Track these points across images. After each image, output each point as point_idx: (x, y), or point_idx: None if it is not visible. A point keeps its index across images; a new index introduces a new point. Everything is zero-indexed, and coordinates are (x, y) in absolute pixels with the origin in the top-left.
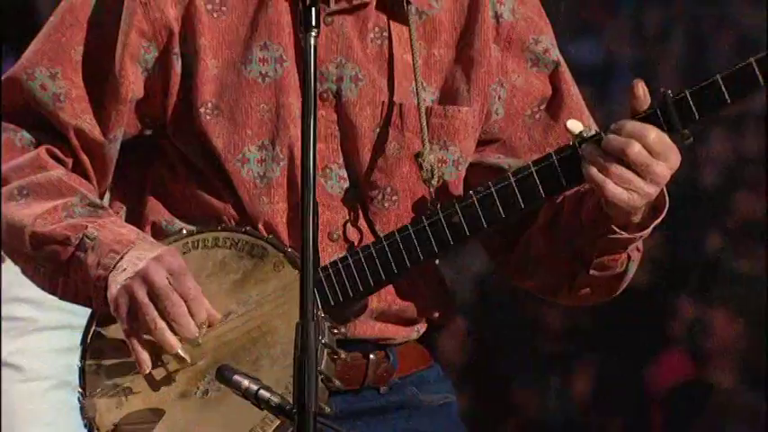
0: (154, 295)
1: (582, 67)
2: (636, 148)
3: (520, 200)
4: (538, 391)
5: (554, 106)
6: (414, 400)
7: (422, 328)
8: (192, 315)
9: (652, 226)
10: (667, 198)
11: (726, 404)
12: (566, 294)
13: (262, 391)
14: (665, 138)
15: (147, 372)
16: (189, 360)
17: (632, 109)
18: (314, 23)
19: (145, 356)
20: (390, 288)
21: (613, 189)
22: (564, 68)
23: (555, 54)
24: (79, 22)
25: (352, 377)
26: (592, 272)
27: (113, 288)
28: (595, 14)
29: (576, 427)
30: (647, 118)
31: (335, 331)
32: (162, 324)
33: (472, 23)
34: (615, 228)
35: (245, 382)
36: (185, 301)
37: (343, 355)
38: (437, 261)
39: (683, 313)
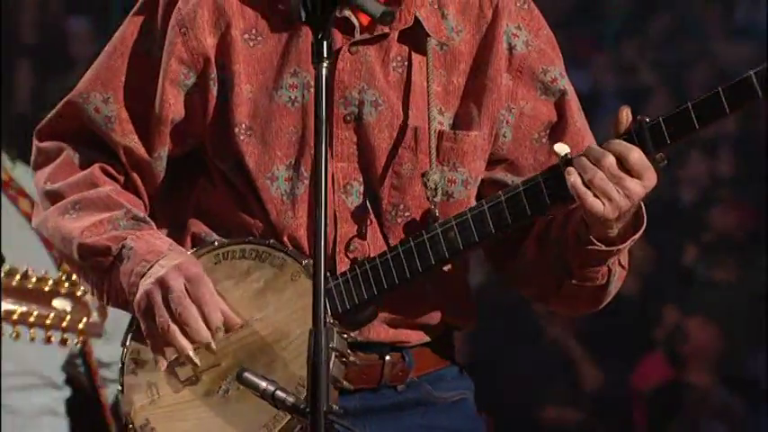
0: (169, 299)
1: None
2: (610, 160)
3: (508, 217)
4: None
5: (558, 131)
6: (429, 397)
7: (438, 331)
8: (205, 320)
9: (630, 241)
10: (645, 218)
11: (702, 402)
12: (555, 302)
13: (278, 392)
14: (644, 158)
15: (163, 368)
16: (198, 364)
17: (615, 131)
18: (325, 55)
19: (161, 356)
20: (404, 295)
21: (592, 200)
22: (570, 97)
23: (562, 83)
24: (128, 52)
25: (370, 377)
26: (574, 281)
27: (138, 293)
28: (583, 50)
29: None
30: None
31: (345, 336)
32: (174, 327)
33: (487, 54)
34: (594, 239)
35: (263, 384)
36: (199, 307)
37: (352, 358)
38: (445, 267)
39: (665, 320)
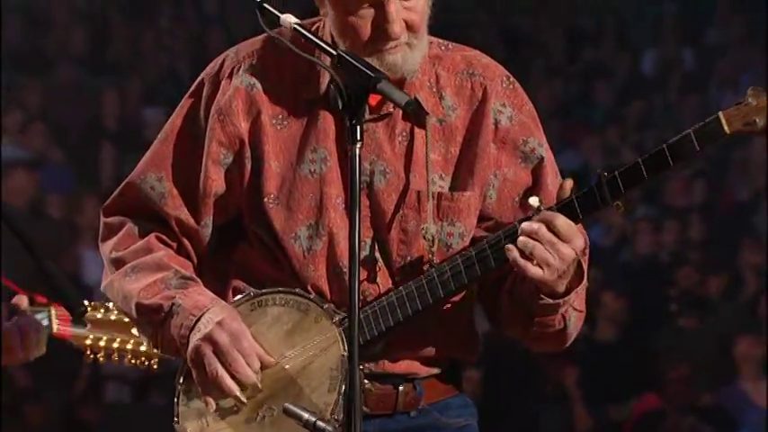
0: (218, 352)
1: (565, 172)
2: (543, 230)
3: (492, 262)
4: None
5: (534, 193)
6: (438, 423)
7: (444, 364)
8: (247, 366)
9: (574, 293)
10: (585, 271)
11: (677, 428)
12: (529, 343)
13: (319, 422)
14: (571, 224)
15: (212, 407)
16: (245, 400)
17: (558, 196)
18: (358, 137)
19: (209, 397)
20: (413, 333)
21: (533, 268)
22: (546, 163)
23: (540, 152)
24: (177, 138)
25: (386, 404)
26: (535, 328)
27: (189, 347)
28: (575, 134)
29: None
30: (586, 195)
31: (361, 367)
32: (223, 373)
33: (478, 127)
34: (543, 296)
35: (305, 415)
36: (242, 356)
37: (367, 386)
38: (447, 307)
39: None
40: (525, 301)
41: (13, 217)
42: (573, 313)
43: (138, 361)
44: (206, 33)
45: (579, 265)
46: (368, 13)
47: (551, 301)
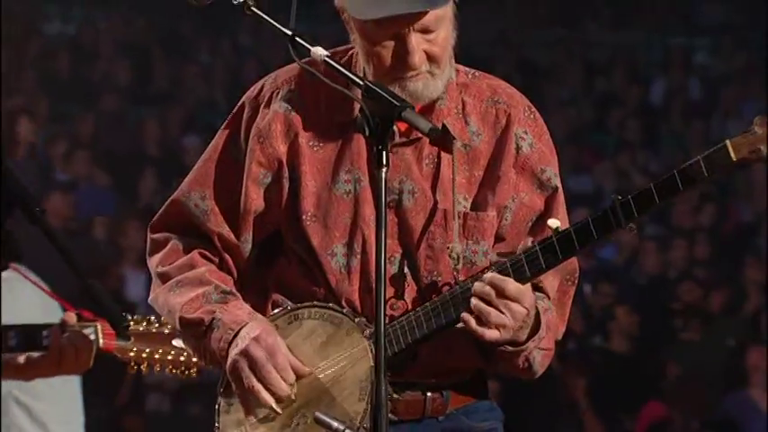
0: (254, 367)
1: (578, 195)
2: (494, 296)
3: (513, 278)
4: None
5: (544, 219)
6: (465, 426)
7: (469, 373)
8: (282, 379)
9: (532, 341)
10: (543, 321)
11: None
12: (495, 371)
13: (347, 431)
14: (519, 286)
15: (251, 418)
16: (280, 411)
17: (520, 249)
18: (384, 162)
19: (248, 408)
20: (439, 345)
21: (489, 332)
22: (559, 193)
23: (555, 182)
24: (219, 158)
25: (415, 410)
26: (502, 367)
27: (228, 360)
28: (589, 159)
29: None
30: (601, 218)
31: (389, 376)
32: (258, 386)
33: (501, 152)
34: (505, 345)
35: (335, 424)
36: (277, 371)
37: (395, 396)
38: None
39: (659, 372)
40: (489, 346)
41: (59, 238)
42: (538, 353)
43: (178, 370)
44: (241, 65)
45: (537, 314)
46: (390, 43)
47: (512, 348)
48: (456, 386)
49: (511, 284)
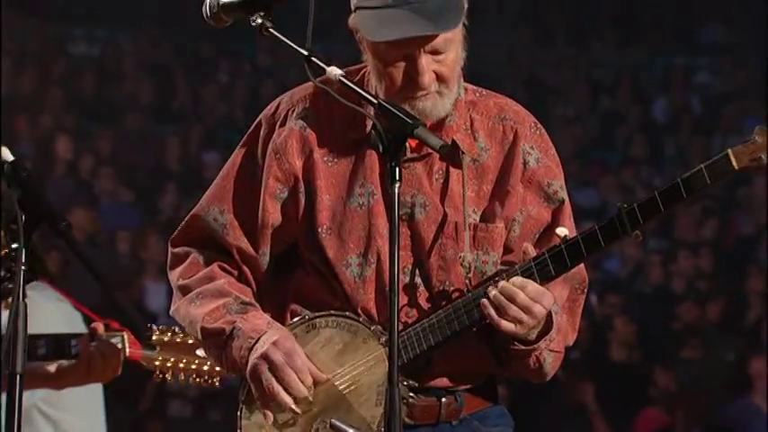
0: (273, 369)
1: (584, 209)
2: (520, 296)
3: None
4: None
5: (550, 230)
6: (477, 431)
7: (481, 378)
8: (300, 381)
9: (543, 341)
10: (554, 322)
11: None
12: (508, 374)
13: None
14: (539, 287)
15: (270, 420)
16: (300, 412)
17: (522, 260)
18: (397, 178)
19: (267, 410)
20: (453, 351)
21: (506, 324)
22: (566, 206)
23: (562, 195)
24: (237, 174)
25: (430, 414)
26: (515, 367)
27: (248, 365)
28: (595, 174)
29: None
30: (607, 226)
31: (405, 383)
32: (278, 388)
33: (509, 166)
34: (516, 342)
35: (350, 431)
36: (295, 373)
37: (411, 400)
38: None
39: (656, 381)
40: (501, 344)
41: (84, 251)
42: (549, 355)
43: (201, 379)
44: (259, 84)
45: (550, 315)
46: (401, 64)
47: (523, 347)
48: (469, 391)
49: (531, 285)
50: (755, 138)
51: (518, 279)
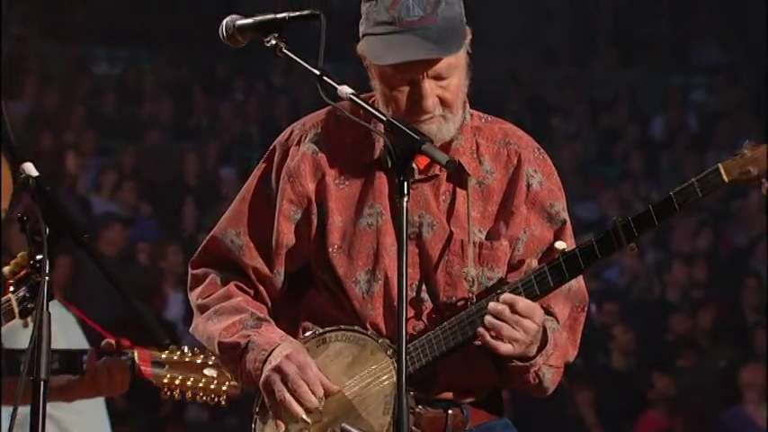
0: (286, 380)
1: (584, 221)
2: (507, 313)
3: (524, 296)
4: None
5: (553, 251)
6: None
7: (486, 391)
8: (311, 392)
9: (540, 357)
10: (550, 337)
11: None
12: (510, 387)
13: None
14: (529, 302)
15: (282, 429)
16: (310, 422)
17: (524, 272)
18: (405, 192)
19: (280, 421)
20: (458, 364)
21: (503, 346)
22: (567, 226)
23: (563, 216)
24: (253, 198)
25: (437, 426)
26: (515, 383)
27: (262, 377)
28: (595, 188)
29: None
30: (604, 238)
31: (412, 393)
32: (290, 398)
33: (513, 189)
34: (514, 360)
35: None
36: (306, 384)
37: (418, 410)
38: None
39: (656, 386)
40: (501, 361)
41: (107, 264)
42: (548, 370)
43: (207, 397)
44: (273, 103)
45: (545, 331)
46: (406, 88)
47: (521, 363)
48: (475, 403)
49: (521, 302)
50: (745, 152)
51: (507, 296)
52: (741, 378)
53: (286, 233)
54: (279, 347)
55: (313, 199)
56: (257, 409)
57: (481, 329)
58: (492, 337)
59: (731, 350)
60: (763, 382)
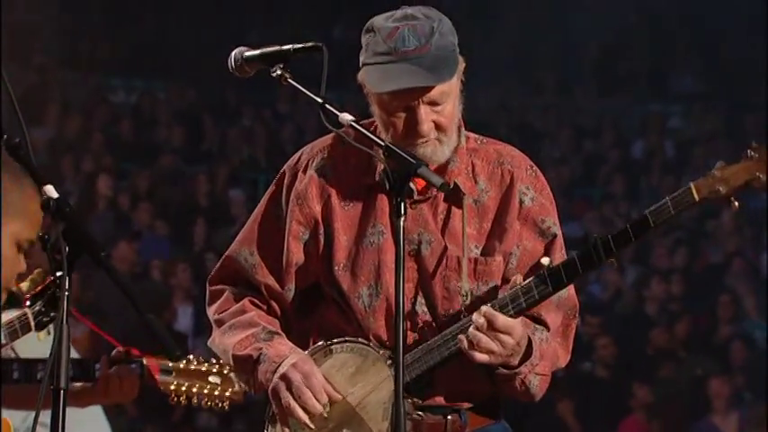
0: (291, 388)
1: (569, 240)
2: (485, 326)
3: (513, 309)
4: None
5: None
6: None
7: (484, 396)
8: (315, 399)
9: (524, 366)
10: (534, 347)
11: None
12: (501, 392)
13: None
14: (508, 320)
15: None
16: (314, 427)
17: (510, 286)
18: (402, 212)
19: (286, 426)
20: (455, 371)
21: (479, 355)
22: (558, 239)
23: (554, 230)
24: (264, 219)
25: (436, 431)
26: (503, 390)
27: (271, 385)
28: (579, 209)
29: None
30: (585, 255)
31: (411, 400)
32: (294, 405)
33: (506, 206)
34: (499, 367)
35: None
36: (311, 392)
37: (416, 416)
38: None
39: (636, 393)
40: (489, 369)
41: (122, 280)
42: (534, 378)
43: (212, 403)
44: (280, 129)
45: (530, 342)
46: (402, 114)
47: (506, 371)
48: (473, 409)
49: (500, 319)
50: (715, 173)
51: (488, 311)
52: (708, 390)
53: (295, 252)
54: (287, 359)
55: (320, 220)
56: (268, 417)
57: (461, 336)
58: (469, 346)
59: (706, 360)
60: (731, 393)
